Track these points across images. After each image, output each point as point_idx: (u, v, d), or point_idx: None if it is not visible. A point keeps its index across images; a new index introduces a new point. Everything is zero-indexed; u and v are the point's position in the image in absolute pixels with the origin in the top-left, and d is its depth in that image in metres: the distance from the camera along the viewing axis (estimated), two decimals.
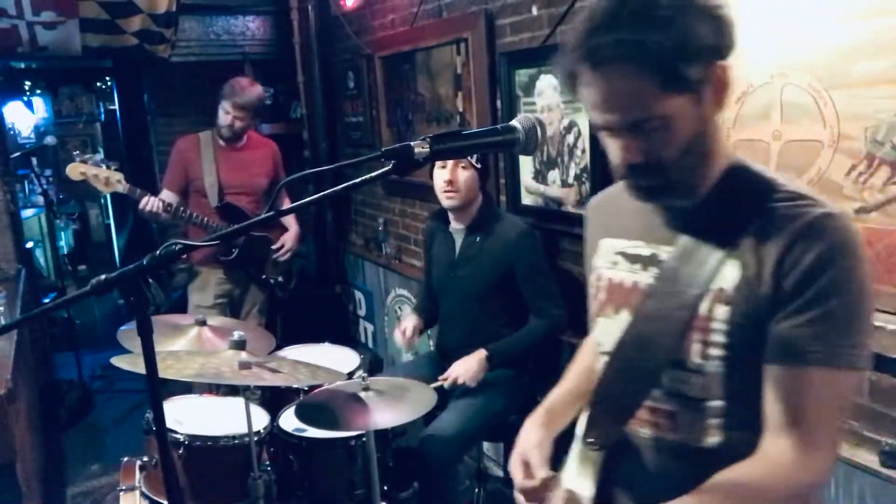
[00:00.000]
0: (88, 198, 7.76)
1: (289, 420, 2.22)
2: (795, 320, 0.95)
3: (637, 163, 1.00)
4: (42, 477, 3.10)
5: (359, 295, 4.46)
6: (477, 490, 2.67)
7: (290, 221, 3.56)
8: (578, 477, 1.18)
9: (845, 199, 1.66)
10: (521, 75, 2.68)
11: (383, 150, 0.97)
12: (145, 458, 2.22)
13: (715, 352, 1.01)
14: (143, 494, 2.15)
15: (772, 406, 0.98)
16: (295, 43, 4.49)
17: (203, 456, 2.10)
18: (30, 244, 5.21)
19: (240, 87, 3.24)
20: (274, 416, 2.27)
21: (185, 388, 2.55)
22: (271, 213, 1.03)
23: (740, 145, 1.89)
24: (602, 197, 1.33)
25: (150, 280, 1.00)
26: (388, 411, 1.89)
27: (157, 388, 1.02)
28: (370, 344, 4.40)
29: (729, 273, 1.01)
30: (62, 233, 7.18)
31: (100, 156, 3.10)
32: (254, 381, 1.88)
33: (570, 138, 2.49)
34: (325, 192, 1.04)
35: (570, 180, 2.53)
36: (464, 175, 2.35)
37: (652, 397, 1.10)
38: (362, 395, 1.93)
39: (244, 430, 2.02)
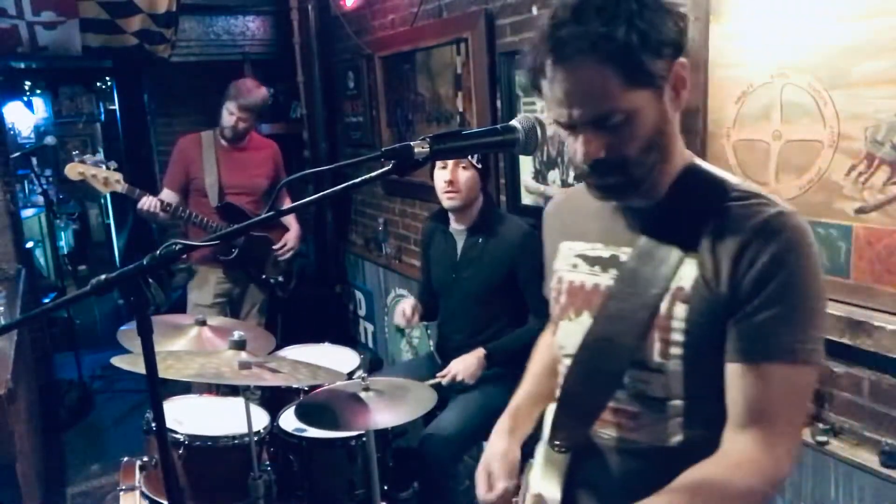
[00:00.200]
0: (88, 198, 7.76)
1: (289, 420, 2.22)
2: (754, 319, 0.97)
3: (600, 158, 1.01)
4: (42, 477, 3.11)
5: (359, 295, 4.46)
6: None
7: (290, 221, 3.57)
8: (544, 480, 1.19)
9: (845, 199, 1.66)
10: (521, 75, 2.68)
11: (383, 150, 0.97)
12: (145, 458, 2.22)
13: (675, 350, 1.03)
14: (143, 494, 2.15)
15: (733, 403, 1.00)
16: (295, 43, 4.49)
17: (203, 456, 2.10)
18: (30, 244, 5.21)
19: (245, 89, 3.26)
20: (274, 416, 2.27)
21: (185, 388, 2.55)
22: (271, 212, 1.02)
23: (740, 145, 1.89)
24: (559, 200, 1.34)
25: (150, 280, 1.00)
26: (388, 411, 1.89)
27: (157, 388, 1.02)
28: (370, 344, 4.40)
29: (687, 272, 1.02)
30: (62, 233, 7.18)
31: (99, 156, 3.08)
32: (254, 381, 1.88)
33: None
34: (325, 192, 1.04)
35: (570, 180, 2.53)
36: (464, 175, 2.35)
37: (616, 398, 1.11)
38: (362, 395, 1.93)
39: (244, 430, 2.02)
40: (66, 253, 7.21)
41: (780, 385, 0.97)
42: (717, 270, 1.00)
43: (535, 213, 2.70)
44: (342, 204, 4.57)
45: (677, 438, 1.07)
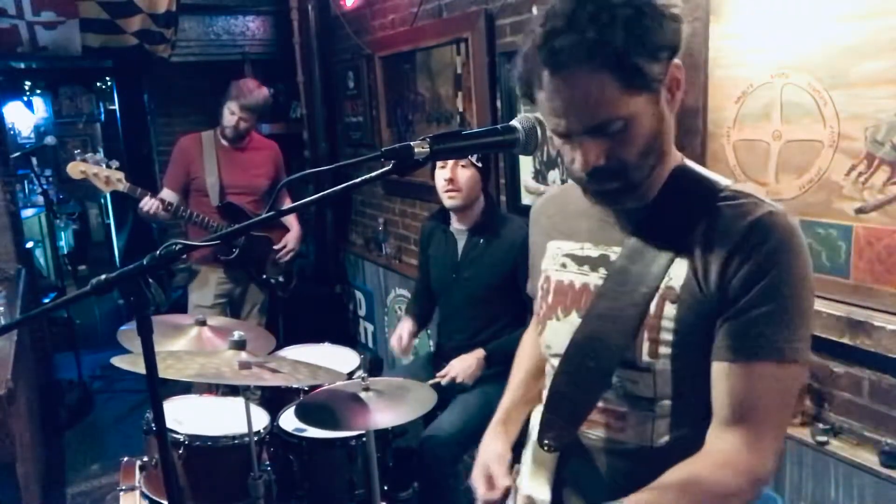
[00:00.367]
0: (88, 198, 7.76)
1: (289, 420, 2.22)
2: (742, 317, 0.97)
3: (599, 166, 1.00)
4: (42, 477, 3.11)
5: (359, 295, 4.46)
6: None
7: (291, 221, 3.57)
8: (533, 481, 1.19)
9: (845, 199, 1.66)
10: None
11: (383, 150, 0.96)
12: (145, 458, 2.22)
13: (664, 350, 1.03)
14: (143, 494, 2.15)
15: (719, 402, 1.00)
16: (295, 43, 4.48)
17: (203, 456, 2.10)
18: (30, 244, 5.21)
19: (247, 89, 3.26)
20: (274, 416, 2.27)
21: (185, 388, 2.55)
22: (272, 212, 1.02)
23: (740, 145, 1.89)
24: (547, 199, 1.33)
25: (150, 280, 1.00)
26: (388, 411, 1.89)
27: (157, 388, 1.02)
28: (370, 344, 4.40)
29: (677, 272, 1.02)
30: (62, 233, 7.19)
31: (100, 155, 3.08)
32: (254, 381, 1.87)
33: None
34: (325, 192, 1.04)
35: (570, 180, 2.52)
36: (464, 174, 2.35)
37: (604, 399, 1.11)
38: (362, 395, 1.93)
39: (244, 430, 2.02)
40: (66, 253, 7.21)
41: (766, 383, 0.98)
42: (707, 270, 1.00)
43: None
44: (342, 204, 4.57)
45: (664, 439, 1.07)
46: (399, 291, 3.89)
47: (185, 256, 3.27)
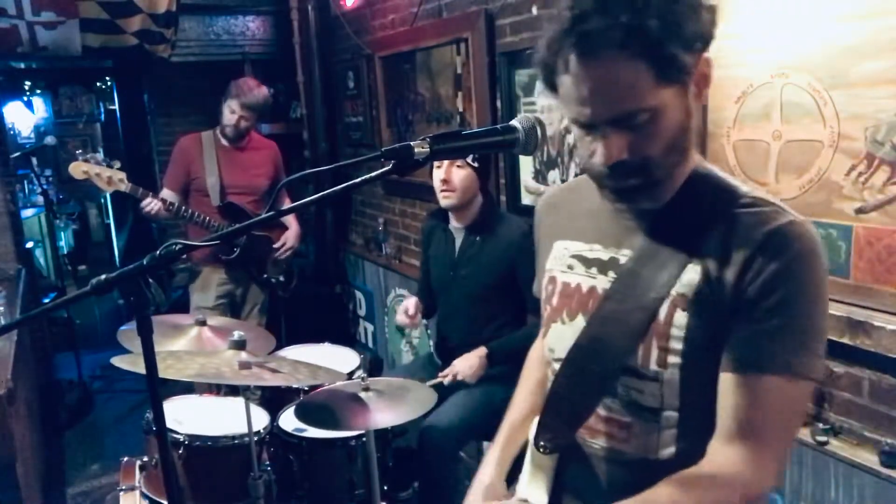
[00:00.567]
0: (88, 198, 7.77)
1: (289, 420, 2.22)
2: (754, 328, 0.94)
3: (622, 160, 0.95)
4: (42, 477, 3.11)
5: (359, 295, 4.46)
6: None
7: (290, 220, 3.57)
8: (531, 485, 1.17)
9: (845, 199, 1.66)
10: (521, 75, 2.68)
11: (383, 150, 0.96)
12: (145, 458, 2.22)
13: (673, 359, 0.99)
14: (143, 494, 2.15)
15: (722, 414, 0.97)
16: (295, 43, 4.49)
17: (203, 456, 2.10)
18: (30, 244, 5.21)
19: (247, 88, 3.26)
20: (274, 416, 2.27)
21: (186, 388, 2.55)
22: (272, 212, 1.02)
23: (740, 145, 1.89)
24: (553, 195, 1.29)
25: (150, 280, 1.00)
26: (388, 411, 1.89)
27: (157, 388, 1.02)
28: (370, 344, 4.40)
29: (690, 279, 0.98)
30: (62, 233, 7.19)
31: (99, 155, 3.08)
32: (254, 381, 1.87)
33: (570, 138, 2.49)
34: (325, 192, 1.03)
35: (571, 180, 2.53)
36: (459, 174, 2.34)
37: (607, 407, 1.07)
38: (362, 395, 1.93)
39: (244, 430, 2.02)
40: (66, 253, 7.21)
41: (772, 398, 0.94)
42: (721, 278, 0.96)
43: None
44: (342, 204, 4.57)
45: (669, 451, 1.04)
46: (399, 291, 3.89)
47: (186, 257, 3.28)
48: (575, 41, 0.91)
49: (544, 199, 1.30)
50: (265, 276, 3.47)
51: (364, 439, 2.08)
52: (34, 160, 5.49)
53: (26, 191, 7.31)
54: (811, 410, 1.82)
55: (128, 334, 2.05)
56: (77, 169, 2.92)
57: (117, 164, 2.99)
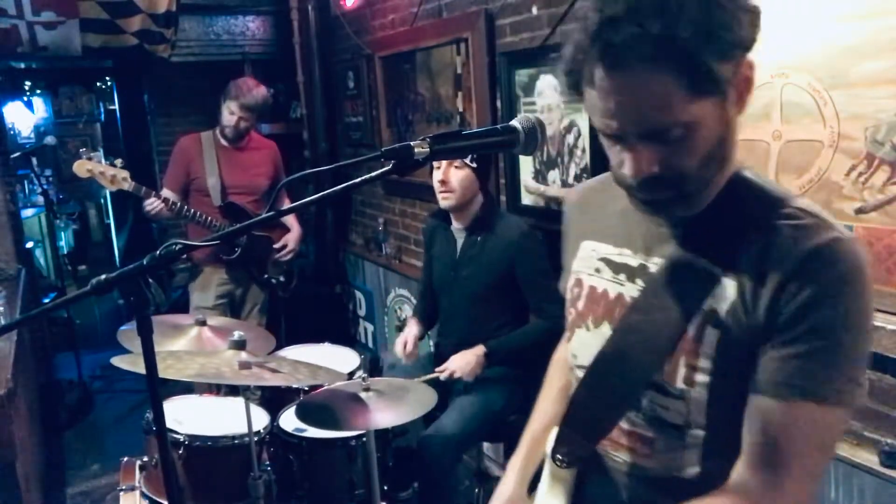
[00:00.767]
0: (88, 198, 7.77)
1: (289, 420, 2.22)
2: (787, 350, 0.87)
3: (652, 174, 0.89)
4: (42, 477, 3.11)
5: (359, 295, 4.46)
6: (477, 490, 2.67)
7: (291, 222, 3.57)
8: (549, 496, 1.14)
9: (845, 199, 1.66)
10: (521, 75, 2.68)
11: (383, 150, 0.95)
12: (145, 458, 2.22)
13: (701, 378, 0.94)
14: (143, 494, 2.15)
15: (750, 438, 0.91)
16: (295, 43, 4.49)
17: (203, 456, 2.10)
18: (30, 244, 5.22)
19: (246, 88, 3.26)
20: (274, 416, 2.28)
21: (186, 388, 2.55)
22: (272, 212, 1.02)
23: (740, 145, 1.88)
24: (584, 192, 1.23)
25: (150, 280, 1.00)
26: (388, 411, 1.89)
27: (157, 388, 1.02)
28: (370, 344, 4.40)
29: (723, 293, 0.92)
30: (62, 233, 7.19)
31: (100, 155, 3.09)
32: (254, 381, 1.88)
33: (570, 138, 2.49)
34: (325, 192, 1.03)
35: (570, 180, 2.53)
36: (457, 175, 2.34)
37: (631, 421, 1.04)
38: (362, 395, 1.93)
39: (244, 430, 2.02)
40: (66, 253, 7.22)
41: (802, 426, 0.87)
42: (756, 295, 0.89)
43: (535, 213, 2.71)
44: (342, 204, 4.57)
45: (693, 470, 0.99)
46: (399, 291, 3.89)
47: (186, 257, 3.28)
48: (600, 51, 0.84)
49: (573, 195, 1.25)
50: (265, 276, 3.47)
51: (364, 439, 2.08)
52: (34, 160, 5.49)
53: (26, 191, 7.31)
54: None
55: (128, 334, 2.05)
56: (81, 167, 2.92)
57: (121, 163, 2.99)
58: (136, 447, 2.35)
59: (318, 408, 1.95)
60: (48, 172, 7.49)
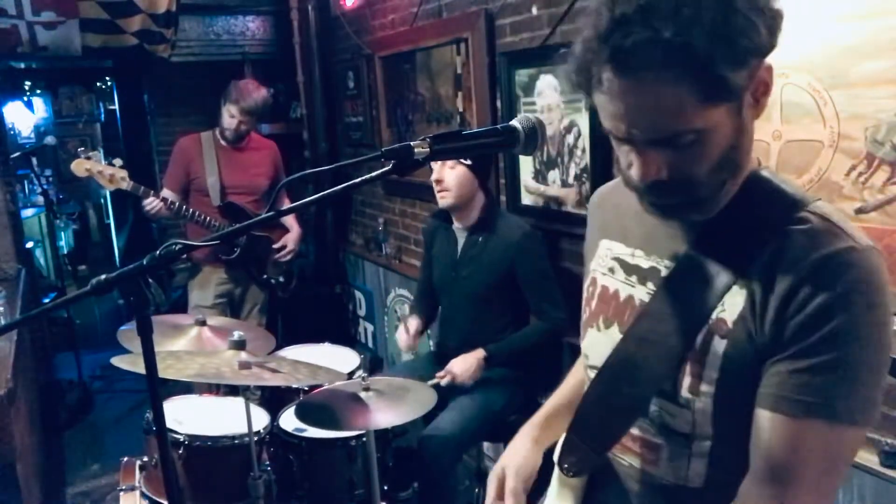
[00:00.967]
0: (88, 198, 7.77)
1: (289, 420, 2.22)
2: (795, 364, 0.84)
3: (661, 180, 0.87)
4: (42, 477, 3.11)
5: (359, 295, 4.46)
6: (477, 490, 2.67)
7: (291, 222, 3.57)
8: (559, 501, 1.13)
9: (845, 199, 1.66)
10: (521, 75, 2.68)
11: (383, 150, 0.95)
12: (145, 458, 2.22)
13: (706, 388, 0.92)
14: (143, 494, 2.15)
15: (757, 454, 0.88)
16: (295, 43, 4.48)
17: (203, 456, 2.10)
18: (30, 244, 5.21)
19: (247, 92, 3.26)
20: (274, 416, 2.28)
21: (186, 388, 2.55)
22: (272, 212, 1.02)
23: None
24: (606, 190, 1.21)
25: (150, 280, 1.00)
26: (388, 411, 1.89)
27: (157, 388, 1.02)
28: (370, 344, 4.40)
29: (733, 301, 0.90)
30: (62, 233, 7.19)
31: (99, 154, 3.08)
32: (254, 381, 1.88)
33: (570, 138, 2.49)
34: (325, 192, 1.03)
35: (571, 180, 2.53)
36: (451, 174, 2.34)
37: (639, 426, 1.02)
38: (362, 395, 1.93)
39: (244, 430, 2.02)
40: (66, 253, 7.22)
41: (812, 444, 0.84)
42: (765, 304, 0.86)
43: (535, 213, 2.71)
44: (342, 204, 4.57)
45: (699, 480, 0.97)
46: (399, 291, 3.89)
47: (186, 256, 3.28)
48: (610, 54, 0.81)
49: (598, 193, 1.24)
50: (265, 276, 3.47)
51: (364, 439, 2.08)
52: (34, 160, 5.48)
53: (26, 191, 7.32)
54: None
55: (128, 334, 2.05)
56: (80, 166, 2.92)
57: (119, 163, 2.99)
58: (136, 447, 2.35)
59: (317, 408, 1.95)
60: (48, 172, 7.50)
